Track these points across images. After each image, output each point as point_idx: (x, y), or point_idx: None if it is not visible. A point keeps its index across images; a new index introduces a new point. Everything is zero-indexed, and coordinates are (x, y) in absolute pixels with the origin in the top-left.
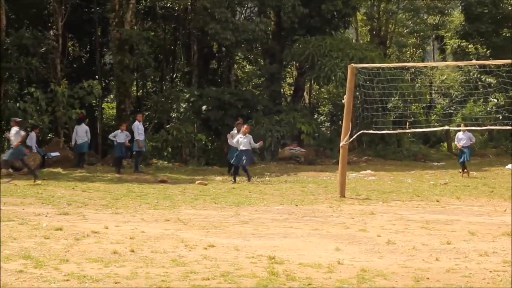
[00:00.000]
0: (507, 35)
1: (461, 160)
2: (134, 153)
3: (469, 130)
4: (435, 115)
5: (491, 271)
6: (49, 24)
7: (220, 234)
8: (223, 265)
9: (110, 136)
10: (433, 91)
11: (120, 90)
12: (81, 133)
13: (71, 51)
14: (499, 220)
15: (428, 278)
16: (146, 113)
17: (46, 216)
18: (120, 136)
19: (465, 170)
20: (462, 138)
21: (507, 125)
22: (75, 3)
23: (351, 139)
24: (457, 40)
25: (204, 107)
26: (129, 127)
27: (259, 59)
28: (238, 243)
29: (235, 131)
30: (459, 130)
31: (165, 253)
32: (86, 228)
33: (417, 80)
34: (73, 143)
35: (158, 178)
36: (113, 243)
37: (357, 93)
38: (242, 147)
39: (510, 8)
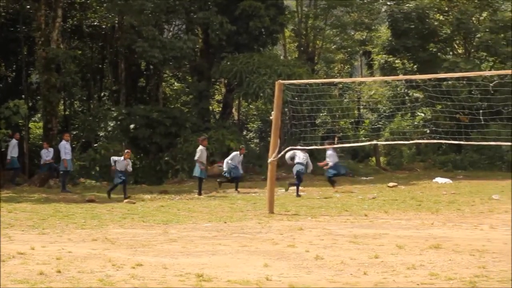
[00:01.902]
0: (433, 50)
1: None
2: (61, 172)
3: (392, 145)
4: (363, 130)
5: (418, 284)
6: None
7: (148, 253)
8: (151, 284)
9: (112, 160)
10: (361, 106)
11: (47, 110)
12: (10, 148)
13: None
14: (427, 233)
15: None
16: (74, 132)
17: None
18: (121, 164)
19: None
20: (331, 155)
21: (434, 139)
22: (0, 22)
23: (280, 155)
24: (384, 55)
25: (132, 126)
26: (56, 146)
27: (187, 77)
28: (166, 262)
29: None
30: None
31: (92, 273)
32: (11, 249)
33: (345, 95)
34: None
35: (85, 197)
36: (39, 264)
37: (286, 109)
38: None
39: (436, 23)
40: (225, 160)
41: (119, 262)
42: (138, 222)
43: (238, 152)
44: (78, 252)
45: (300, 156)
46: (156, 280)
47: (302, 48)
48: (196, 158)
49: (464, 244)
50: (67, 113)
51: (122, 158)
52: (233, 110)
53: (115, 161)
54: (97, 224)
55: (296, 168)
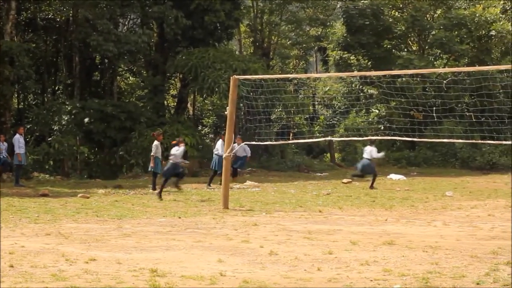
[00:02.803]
0: (388, 46)
1: (235, 166)
2: (14, 166)
3: (349, 141)
4: (318, 126)
5: (371, 280)
6: None
7: (102, 248)
8: (104, 279)
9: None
10: (316, 102)
11: (0, 103)
12: None
13: None
14: (380, 230)
15: None
16: (28, 126)
17: None
18: (179, 153)
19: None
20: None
21: (388, 135)
22: None
23: (234, 150)
24: (339, 51)
25: (86, 120)
26: (10, 140)
27: (142, 71)
28: (120, 257)
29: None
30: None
31: (45, 267)
32: None
33: (300, 91)
34: None
35: (39, 191)
36: None
37: (241, 105)
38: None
39: (390, 20)
40: (218, 154)
41: (72, 257)
42: (92, 217)
43: (221, 140)
44: (31, 246)
45: (367, 150)
46: (110, 275)
47: (257, 44)
48: (152, 153)
49: (418, 241)
50: (20, 106)
51: (181, 148)
52: (188, 105)
53: (173, 155)
54: (51, 218)
55: (361, 163)
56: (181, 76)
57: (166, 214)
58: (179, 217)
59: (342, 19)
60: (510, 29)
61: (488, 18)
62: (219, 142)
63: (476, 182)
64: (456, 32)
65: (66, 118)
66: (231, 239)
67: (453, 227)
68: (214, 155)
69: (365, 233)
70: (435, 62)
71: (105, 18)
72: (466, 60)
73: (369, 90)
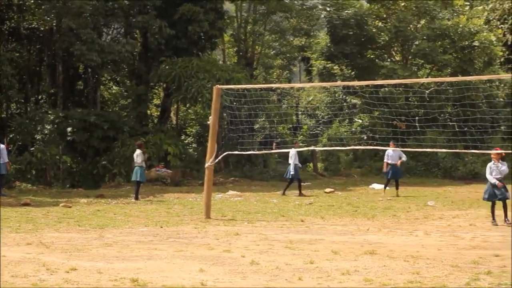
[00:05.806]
0: (371, 56)
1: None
2: None
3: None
4: (301, 136)
5: None
6: None
7: (83, 257)
8: None
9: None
10: (300, 112)
11: None
12: None
13: None
14: (362, 239)
15: None
16: (10, 135)
17: None
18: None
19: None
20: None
21: (371, 145)
22: None
23: (217, 160)
24: (322, 61)
25: (69, 129)
26: None
27: (125, 80)
28: (101, 266)
29: None
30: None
31: (25, 277)
32: None
33: (284, 101)
34: None
35: (21, 201)
36: None
37: (224, 114)
38: None
39: (374, 30)
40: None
41: (53, 266)
42: (73, 226)
43: (293, 149)
44: (12, 256)
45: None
46: (90, 285)
47: (241, 53)
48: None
49: (399, 250)
50: (3, 115)
51: (391, 150)
52: (172, 115)
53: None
54: (32, 228)
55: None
56: (164, 85)
57: (148, 224)
58: (161, 227)
59: (326, 29)
60: (493, 39)
61: (472, 29)
62: (293, 151)
63: (458, 192)
64: (439, 43)
65: (49, 128)
66: (213, 248)
67: (434, 237)
68: (292, 165)
69: (346, 243)
70: (418, 72)
71: (89, 28)
72: (449, 70)
73: (352, 100)
